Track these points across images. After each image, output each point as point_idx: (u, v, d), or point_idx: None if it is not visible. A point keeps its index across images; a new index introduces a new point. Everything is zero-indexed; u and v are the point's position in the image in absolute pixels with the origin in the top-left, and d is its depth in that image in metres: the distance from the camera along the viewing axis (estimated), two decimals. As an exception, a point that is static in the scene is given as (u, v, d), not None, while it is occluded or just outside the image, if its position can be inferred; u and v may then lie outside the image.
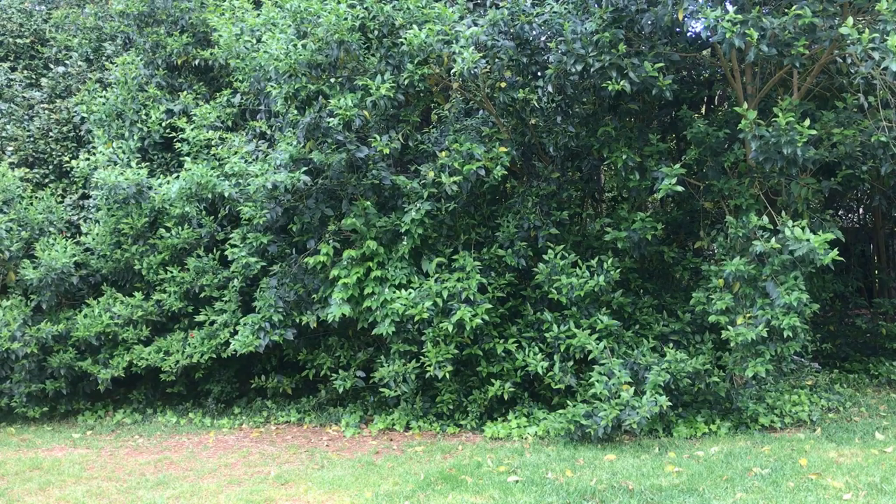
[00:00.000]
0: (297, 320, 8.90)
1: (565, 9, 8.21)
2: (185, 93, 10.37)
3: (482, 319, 8.01)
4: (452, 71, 8.07)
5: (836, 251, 7.22)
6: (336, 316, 8.31)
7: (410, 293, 8.15)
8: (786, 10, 7.27)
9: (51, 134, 11.44)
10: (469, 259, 8.35)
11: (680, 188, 7.82)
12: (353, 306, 8.43)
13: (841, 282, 11.19)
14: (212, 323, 9.45)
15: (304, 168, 8.36)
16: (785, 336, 7.50)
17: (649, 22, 7.79)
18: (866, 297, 12.80)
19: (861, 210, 13.95)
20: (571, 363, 8.25)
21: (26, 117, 11.73)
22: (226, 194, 8.80)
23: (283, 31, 8.45)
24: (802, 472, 6.49)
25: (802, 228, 7.49)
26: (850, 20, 6.84)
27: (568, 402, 8.20)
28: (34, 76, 12.66)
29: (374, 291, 8.36)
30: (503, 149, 8.37)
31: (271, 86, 8.56)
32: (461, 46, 7.98)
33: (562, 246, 8.57)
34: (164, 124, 10.22)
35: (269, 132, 9.75)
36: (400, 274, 8.39)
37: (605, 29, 7.83)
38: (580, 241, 9.38)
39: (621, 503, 5.98)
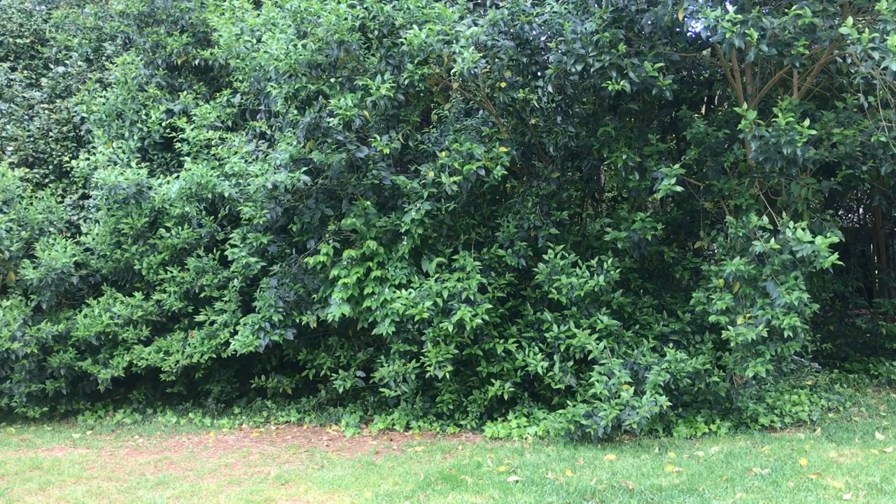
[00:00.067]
0: (297, 320, 8.90)
1: (565, 9, 8.21)
2: (185, 93, 10.37)
3: (482, 319, 8.01)
4: (452, 71, 8.07)
5: (835, 255, 7.22)
6: (336, 316, 8.31)
7: (410, 293, 8.16)
8: (786, 10, 7.27)
9: (51, 134, 11.44)
10: (469, 259, 8.35)
11: (680, 188, 7.82)
12: (353, 306, 8.43)
13: (841, 282, 11.19)
14: (212, 323, 9.45)
15: (304, 168, 8.37)
16: (785, 336, 7.50)
17: (649, 22, 7.79)
18: (866, 297, 12.80)
19: (861, 210, 13.95)
20: (571, 363, 8.25)
21: (26, 117, 11.73)
22: (226, 194, 8.81)
23: (283, 31, 8.45)
24: (802, 472, 6.49)
25: (804, 230, 7.49)
26: (850, 20, 6.84)
27: (568, 402, 8.20)
28: (34, 76, 12.66)
29: (374, 291, 8.36)
30: (503, 149, 8.38)
31: (271, 86, 8.56)
32: (461, 46, 7.98)
33: (562, 246, 8.57)
34: (164, 124, 10.22)
35: (269, 132, 9.75)
36: (400, 274, 8.40)
37: (605, 29, 7.83)
38: (580, 241, 9.38)
39: (621, 503, 5.98)
